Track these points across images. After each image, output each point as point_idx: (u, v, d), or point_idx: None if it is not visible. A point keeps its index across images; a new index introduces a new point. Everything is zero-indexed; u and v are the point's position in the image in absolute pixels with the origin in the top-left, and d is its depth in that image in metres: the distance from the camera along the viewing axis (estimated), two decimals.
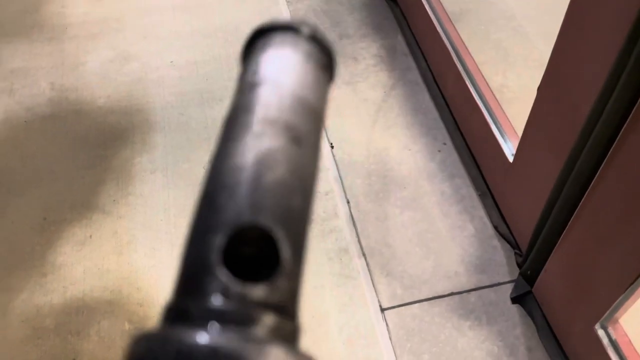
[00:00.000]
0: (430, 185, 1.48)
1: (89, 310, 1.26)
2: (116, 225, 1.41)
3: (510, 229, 1.34)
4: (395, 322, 1.24)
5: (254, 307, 0.24)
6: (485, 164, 1.44)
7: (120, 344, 1.22)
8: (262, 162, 0.28)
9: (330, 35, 1.87)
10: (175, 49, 1.86)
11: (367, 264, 1.33)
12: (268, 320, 0.24)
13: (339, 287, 1.29)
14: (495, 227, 1.38)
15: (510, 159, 1.29)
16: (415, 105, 1.67)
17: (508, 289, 1.28)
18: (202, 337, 0.21)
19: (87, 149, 1.58)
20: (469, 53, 1.52)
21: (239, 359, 0.21)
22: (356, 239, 1.38)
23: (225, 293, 0.24)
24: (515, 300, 1.26)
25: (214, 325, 0.22)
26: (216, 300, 0.23)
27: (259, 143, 0.29)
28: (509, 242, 1.35)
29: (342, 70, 1.77)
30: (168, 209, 1.45)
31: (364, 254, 1.35)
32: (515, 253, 1.32)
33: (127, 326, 1.24)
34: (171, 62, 1.82)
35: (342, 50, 1.83)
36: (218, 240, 0.25)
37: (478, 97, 1.42)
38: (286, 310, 0.26)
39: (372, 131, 1.60)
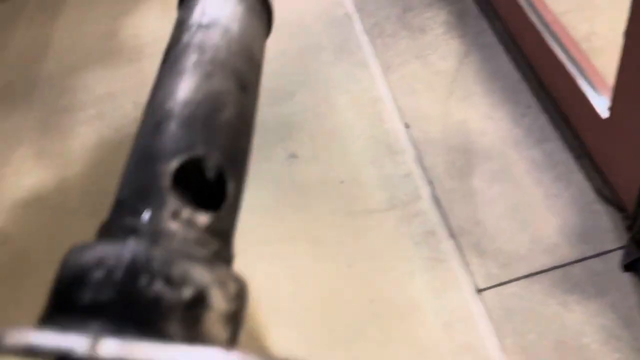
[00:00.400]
0: (518, 154, 1.39)
1: None
2: None
3: (615, 190, 1.22)
4: (493, 302, 1.18)
5: (201, 231, 0.25)
6: (579, 123, 1.32)
7: None
8: (214, 102, 0.29)
9: (394, 10, 1.81)
10: None
11: (458, 245, 1.28)
12: (212, 244, 0.25)
13: (429, 272, 1.25)
14: (598, 190, 1.26)
15: (606, 114, 1.17)
16: (493, 69, 1.56)
17: (617, 257, 1.17)
18: (136, 248, 0.21)
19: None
20: (543, 2, 1.39)
21: (184, 275, 0.21)
22: (442, 219, 1.33)
23: (175, 216, 0.24)
24: (627, 267, 1.15)
25: (161, 240, 0.22)
26: (165, 221, 0.23)
27: (210, 83, 0.29)
28: (614, 205, 1.23)
29: (410, 44, 1.70)
30: (254, 209, 1.48)
31: (452, 235, 1.30)
32: (623, 216, 1.20)
33: None
34: None
35: (409, 23, 1.76)
36: (171, 166, 0.25)
37: (561, 51, 1.30)
38: (227, 238, 0.28)
39: (448, 104, 1.53)
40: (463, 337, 1.15)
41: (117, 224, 0.25)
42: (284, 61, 1.81)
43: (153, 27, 2.09)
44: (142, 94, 1.81)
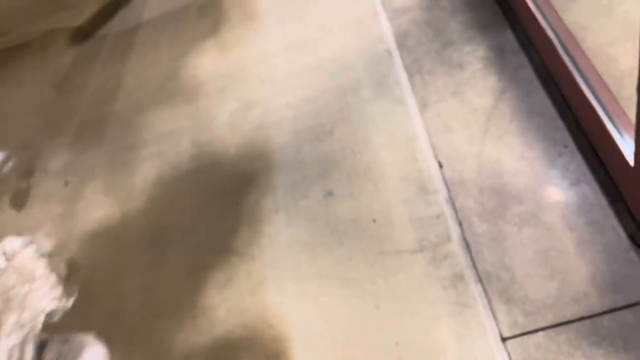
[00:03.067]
0: (551, 196, 1.37)
1: (232, 347, 1.43)
2: (250, 266, 1.57)
3: None
4: (517, 352, 1.18)
5: None
6: (610, 166, 1.29)
7: None
8: None
9: (433, 46, 1.83)
10: (289, 89, 1.99)
11: (485, 290, 1.28)
12: None
13: (455, 317, 1.27)
14: (631, 238, 1.22)
15: (632, 160, 1.14)
16: (530, 106, 1.54)
17: None
18: None
19: (223, 196, 1.78)
20: (574, 39, 1.36)
21: None
22: (471, 263, 1.34)
23: None
24: None
25: None
26: None
27: None
28: None
29: (448, 80, 1.71)
30: (291, 246, 1.57)
31: (480, 280, 1.30)
32: None
33: None
34: (286, 102, 1.95)
35: (448, 59, 1.77)
36: None
37: (590, 92, 1.27)
38: None
39: (483, 143, 1.53)
40: None
41: None
42: (325, 99, 1.89)
43: (209, 67, 2.24)
44: (198, 132, 1.99)
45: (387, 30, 1.98)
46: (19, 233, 1.97)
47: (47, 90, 2.62)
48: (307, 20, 2.21)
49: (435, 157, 1.56)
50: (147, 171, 1.98)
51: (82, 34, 2.85)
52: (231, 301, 1.52)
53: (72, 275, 1.77)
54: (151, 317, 1.57)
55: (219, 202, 1.78)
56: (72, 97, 2.50)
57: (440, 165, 1.54)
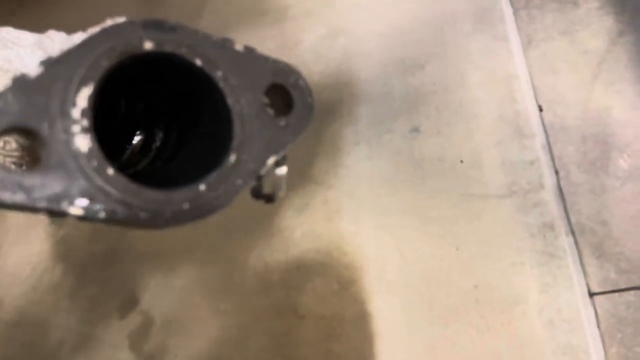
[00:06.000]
0: None
1: (306, 268, 1.46)
2: (326, 194, 1.56)
3: None
4: (606, 308, 1.13)
5: None
6: None
7: (331, 300, 1.39)
8: None
9: None
10: (380, 15, 1.90)
11: (576, 242, 1.22)
12: None
13: (541, 266, 1.22)
14: None
15: None
16: None
17: None
18: None
19: None
20: None
21: None
22: (564, 214, 1.27)
23: None
24: None
25: None
26: None
27: None
28: None
29: (558, 17, 1.57)
30: (371, 178, 1.54)
31: (572, 231, 1.24)
32: None
33: (336, 286, 1.41)
34: (376, 31, 1.87)
35: None
36: None
37: None
38: None
39: (591, 88, 1.41)
40: (565, 338, 1.12)
41: None
42: (418, 29, 1.79)
43: None
44: (283, 56, 1.93)
45: None
46: None
47: (135, 3, 2.64)
48: None
49: (536, 99, 1.46)
50: None
51: None
52: (307, 225, 1.53)
53: None
54: (230, 232, 1.62)
55: None
56: (159, 12, 2.51)
57: (541, 109, 1.44)
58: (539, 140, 1.39)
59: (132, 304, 1.61)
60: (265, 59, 0.45)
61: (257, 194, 0.49)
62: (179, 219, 0.41)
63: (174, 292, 1.57)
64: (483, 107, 1.52)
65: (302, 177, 1.64)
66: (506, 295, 1.22)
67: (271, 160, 0.45)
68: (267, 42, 2.06)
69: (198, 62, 0.43)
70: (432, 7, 1.82)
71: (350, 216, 1.50)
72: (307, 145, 1.70)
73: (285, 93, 0.45)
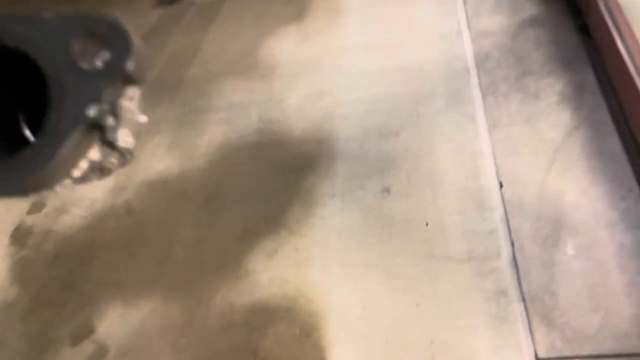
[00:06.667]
0: (608, 235, 1.39)
1: (270, 312, 1.49)
2: (297, 242, 1.63)
3: None
4: None
5: None
6: None
7: (292, 346, 1.42)
8: None
9: (512, 72, 1.87)
10: (363, 85, 2.05)
11: (526, 310, 1.32)
12: None
13: (493, 329, 1.30)
14: None
15: None
16: (601, 147, 1.57)
17: None
18: None
19: (282, 173, 1.85)
20: None
21: None
22: (517, 282, 1.37)
23: None
24: None
25: None
26: None
27: None
28: None
29: (521, 107, 1.75)
30: (342, 231, 1.62)
31: (523, 299, 1.34)
32: None
33: (298, 332, 1.44)
34: (357, 97, 2.01)
35: (524, 87, 1.81)
36: None
37: None
38: None
39: (548, 173, 1.57)
40: None
41: None
42: (396, 101, 1.94)
43: (288, 51, 2.32)
44: (267, 109, 2.06)
45: (468, 49, 2.03)
46: None
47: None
48: (391, 25, 2.27)
49: (498, 176, 1.60)
50: (212, 135, 2.06)
51: None
52: (275, 271, 1.58)
53: (126, 215, 1.85)
54: (195, 270, 1.64)
55: (278, 177, 1.84)
56: (150, 54, 2.61)
57: (501, 185, 1.57)
58: (498, 213, 1.52)
59: (87, 331, 1.58)
60: (74, 18, 0.49)
61: (106, 143, 0.51)
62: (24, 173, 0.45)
63: (132, 323, 1.56)
64: (450, 177, 1.65)
65: (275, 223, 1.70)
66: (460, 354, 1.29)
67: (94, 110, 0.48)
68: (253, 95, 2.17)
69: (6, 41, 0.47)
70: (409, 83, 1.99)
71: (319, 265, 1.55)
72: (283, 193, 1.77)
73: (99, 43, 0.48)
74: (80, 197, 1.96)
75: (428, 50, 2.10)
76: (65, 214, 1.92)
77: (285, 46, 2.35)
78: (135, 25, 2.50)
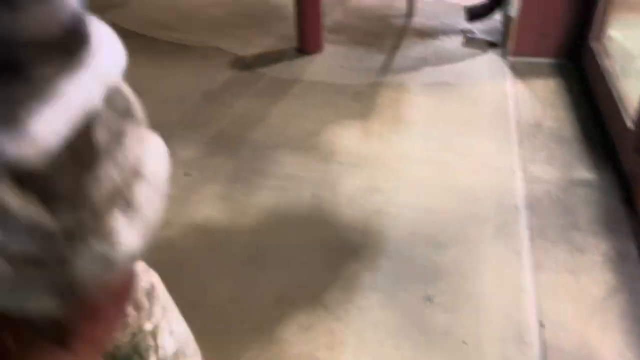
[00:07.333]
0: None
1: None
2: (333, 324, 1.63)
3: None
4: None
5: None
6: None
7: None
8: None
9: (560, 222, 1.98)
10: (416, 193, 2.15)
11: None
12: None
13: None
14: None
15: None
16: (638, 315, 1.64)
17: None
18: None
19: (326, 252, 1.89)
20: None
21: None
22: None
23: None
24: None
25: None
26: None
27: None
28: None
29: (567, 257, 1.84)
30: (378, 326, 1.63)
31: None
32: None
33: None
34: (410, 203, 2.10)
35: (571, 239, 1.91)
36: None
37: None
38: None
39: (587, 325, 1.62)
40: None
41: None
42: (447, 217, 2.03)
43: (350, 142, 2.45)
44: (321, 189, 2.15)
45: (520, 189, 2.16)
46: None
47: (195, 93, 2.87)
48: (450, 146, 2.42)
49: (538, 315, 1.65)
50: (265, 198, 2.12)
51: (243, 64, 3.16)
52: (307, 346, 1.57)
53: (167, 251, 1.85)
54: (226, 324, 1.62)
55: (321, 254, 1.88)
56: (216, 109, 2.74)
57: (542, 325, 1.62)
58: (537, 350, 1.55)
59: None
60: None
61: None
62: None
63: None
64: (492, 303, 1.69)
65: (312, 298, 1.71)
66: None
67: None
68: (311, 172, 2.26)
69: None
70: (461, 204, 2.10)
71: (352, 353, 1.55)
72: (325, 272, 1.80)
73: None
74: None
75: (482, 178, 2.23)
76: None
77: (347, 137, 2.49)
78: (208, 79, 2.67)
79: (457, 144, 2.45)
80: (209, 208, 2.07)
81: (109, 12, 3.70)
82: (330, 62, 3.16)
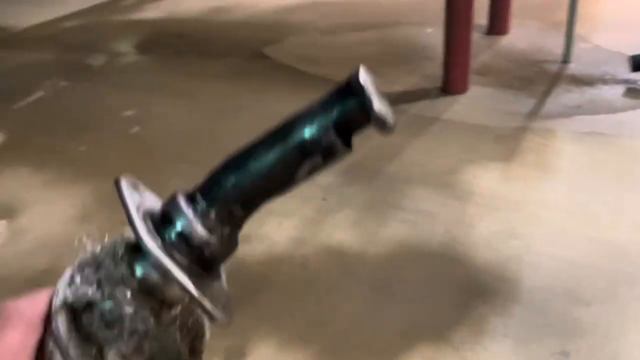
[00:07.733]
0: None
1: None
2: None
3: None
4: None
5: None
6: None
7: None
8: None
9: None
10: (559, 244, 2.02)
11: None
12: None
13: None
14: None
15: None
16: None
17: None
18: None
19: (456, 291, 1.85)
20: None
21: None
22: None
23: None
24: None
25: None
26: None
27: None
28: None
29: None
30: None
31: None
32: None
33: None
34: (551, 253, 1.98)
35: None
36: None
37: None
38: None
39: None
40: None
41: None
42: (592, 272, 1.88)
43: (489, 184, 2.39)
44: (455, 228, 2.11)
45: None
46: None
47: None
48: (602, 198, 2.25)
49: None
50: (396, 230, 2.15)
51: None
52: None
53: (299, 268, 1.95)
54: (350, 348, 1.66)
55: (451, 294, 1.84)
56: (355, 140, 2.84)
57: None
58: None
59: (238, 354, 1.64)
60: None
61: None
62: None
63: None
64: None
65: (438, 335, 1.68)
66: None
67: None
68: (445, 209, 2.25)
69: None
70: (610, 260, 1.92)
71: None
72: (452, 311, 1.76)
73: None
74: (266, 234, 2.12)
75: (636, 237, 2.03)
76: (247, 242, 2.07)
77: (487, 178, 2.43)
78: None
79: (609, 197, 2.27)
80: (342, 232, 2.15)
81: (267, 46, 4.07)
82: (474, 104, 3.13)
